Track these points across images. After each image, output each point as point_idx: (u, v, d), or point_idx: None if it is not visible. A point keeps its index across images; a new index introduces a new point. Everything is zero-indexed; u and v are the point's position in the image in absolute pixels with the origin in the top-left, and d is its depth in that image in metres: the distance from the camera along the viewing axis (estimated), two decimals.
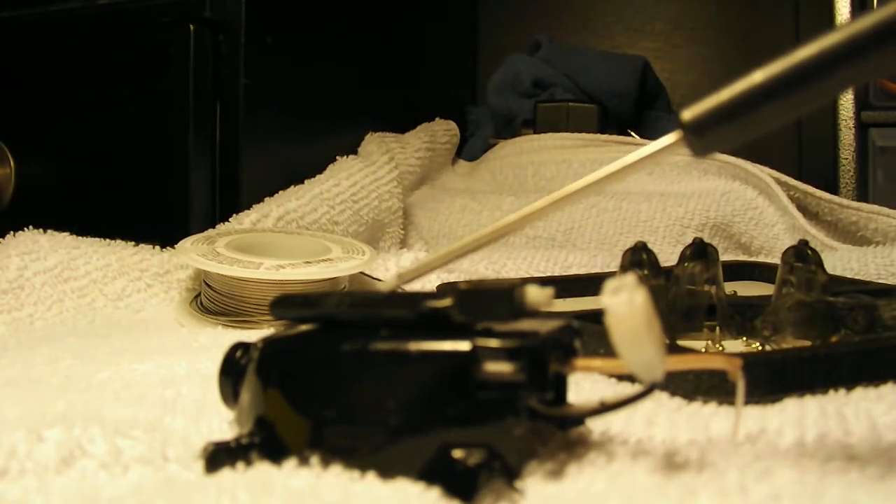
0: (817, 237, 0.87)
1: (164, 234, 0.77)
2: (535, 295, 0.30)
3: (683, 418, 0.38)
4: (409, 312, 0.32)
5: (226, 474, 0.31)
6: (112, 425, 0.35)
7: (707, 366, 0.36)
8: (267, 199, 0.85)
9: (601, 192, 0.97)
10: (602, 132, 1.10)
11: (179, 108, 0.87)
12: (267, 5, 0.91)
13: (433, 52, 1.29)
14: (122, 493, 0.30)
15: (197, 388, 0.43)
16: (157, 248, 0.77)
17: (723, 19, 1.31)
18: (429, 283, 0.74)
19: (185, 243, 0.70)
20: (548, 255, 0.82)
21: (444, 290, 0.31)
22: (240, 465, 0.32)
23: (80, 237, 0.76)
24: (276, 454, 0.32)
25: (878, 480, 0.30)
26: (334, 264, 0.68)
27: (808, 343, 0.50)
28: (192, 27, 0.87)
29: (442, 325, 0.31)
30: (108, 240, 0.77)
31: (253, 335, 0.38)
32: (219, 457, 0.32)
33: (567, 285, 0.66)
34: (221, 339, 0.59)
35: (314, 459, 0.31)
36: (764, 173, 0.93)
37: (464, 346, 0.30)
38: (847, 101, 1.10)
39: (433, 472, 0.30)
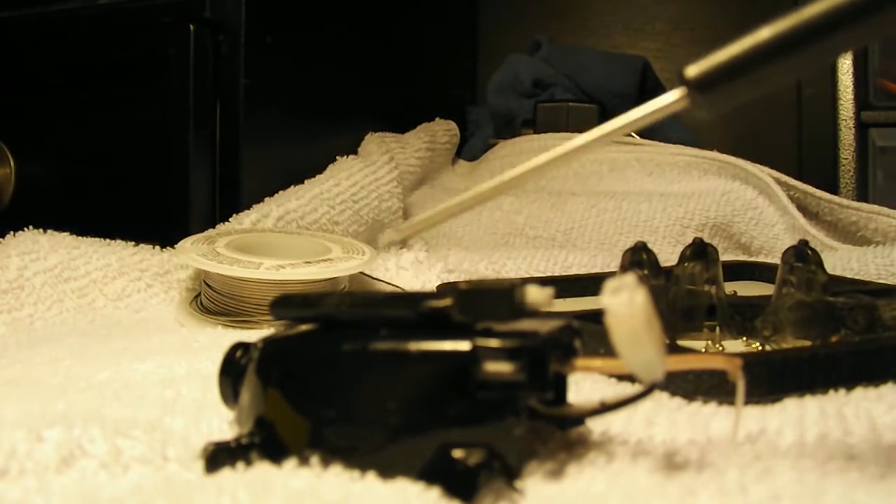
0: (817, 237, 0.87)
1: (164, 234, 0.77)
2: (535, 295, 0.30)
3: (683, 418, 0.38)
4: (409, 312, 0.32)
5: (226, 474, 0.31)
6: (112, 425, 0.35)
7: (707, 366, 0.36)
8: (267, 199, 0.85)
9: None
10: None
11: (179, 108, 0.87)
12: (267, 5, 0.91)
13: (433, 52, 1.29)
14: (122, 493, 0.30)
15: (197, 388, 0.43)
16: (157, 248, 0.77)
17: (723, 19, 1.31)
18: (429, 284, 0.74)
19: (185, 243, 0.70)
20: (548, 255, 0.82)
21: (444, 290, 0.31)
22: (240, 465, 0.32)
23: (80, 237, 0.76)
24: (276, 454, 0.32)
25: (878, 480, 0.30)
26: (334, 264, 0.68)
27: (808, 343, 0.50)
28: (192, 27, 0.87)
29: (442, 325, 0.31)
30: (108, 240, 0.77)
31: (253, 335, 0.38)
32: (219, 457, 0.32)
33: (567, 285, 0.66)
34: (221, 339, 0.59)
35: (314, 459, 0.31)
36: (764, 173, 0.93)
37: (464, 346, 0.30)
38: (847, 101, 1.10)
39: (433, 472, 0.30)
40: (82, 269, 0.72)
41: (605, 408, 0.33)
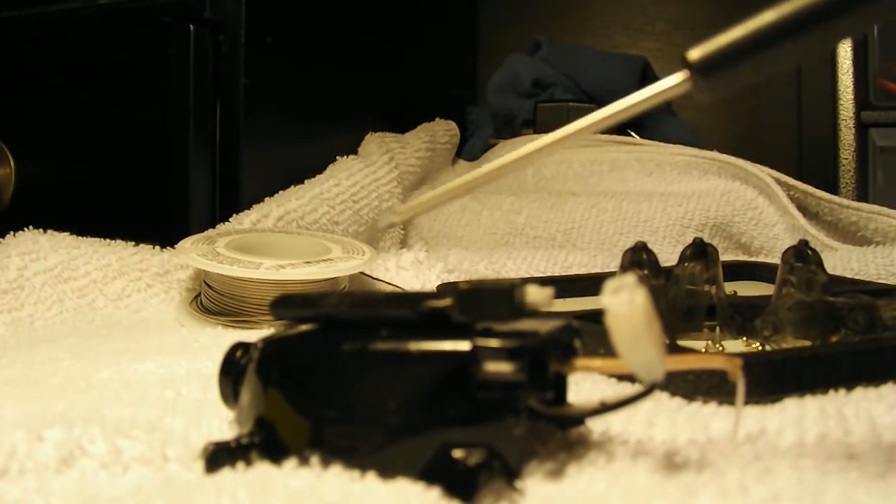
0: (817, 237, 0.87)
1: (164, 234, 0.77)
2: (535, 295, 0.30)
3: (683, 418, 0.38)
4: (409, 312, 0.32)
5: (226, 474, 0.31)
6: (112, 425, 0.35)
7: (707, 366, 0.36)
8: (267, 199, 0.85)
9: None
10: (602, 132, 1.10)
11: (179, 108, 0.87)
12: (267, 5, 0.91)
13: (433, 52, 1.29)
14: (122, 493, 0.30)
15: (197, 388, 0.43)
16: (157, 248, 0.77)
17: (723, 19, 1.30)
18: (429, 284, 0.74)
19: (185, 243, 0.70)
20: (548, 255, 0.82)
21: (444, 290, 0.31)
22: (240, 465, 0.32)
23: (80, 237, 0.76)
24: (276, 454, 0.32)
25: (878, 480, 0.30)
26: (334, 264, 0.68)
27: (808, 343, 0.50)
28: (192, 27, 0.87)
29: (442, 325, 0.31)
30: (108, 240, 0.77)
31: (253, 335, 0.38)
32: (219, 457, 0.32)
33: (567, 285, 0.66)
34: (221, 339, 0.59)
35: (314, 459, 0.31)
36: (764, 173, 0.93)
37: (464, 346, 0.30)
38: (847, 101, 1.10)
39: (433, 472, 0.30)
40: (82, 269, 0.72)
41: (605, 408, 0.33)
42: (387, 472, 0.30)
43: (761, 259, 0.86)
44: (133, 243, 0.77)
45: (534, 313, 0.30)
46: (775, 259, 0.62)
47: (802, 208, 0.91)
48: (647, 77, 1.20)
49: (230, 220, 0.81)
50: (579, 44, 1.32)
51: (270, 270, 0.65)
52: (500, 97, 1.22)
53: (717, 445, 0.34)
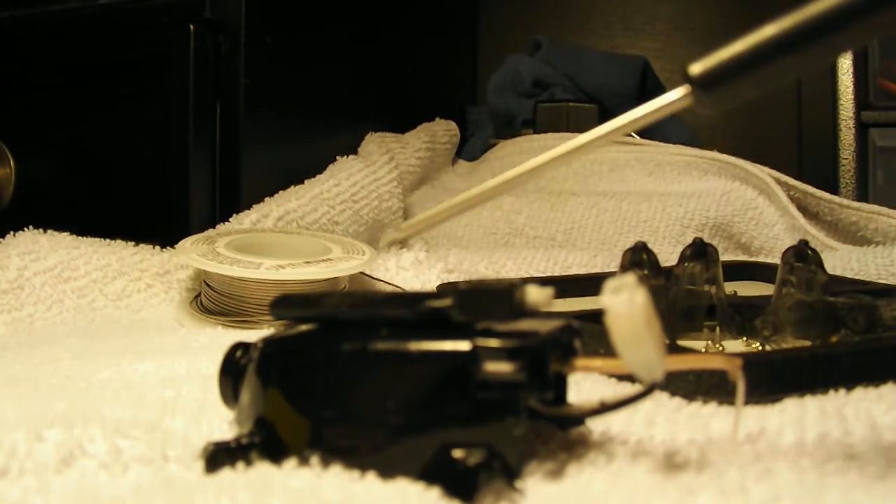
0: (817, 237, 0.87)
1: (164, 234, 0.77)
2: (535, 295, 0.30)
3: (683, 418, 0.38)
4: (408, 312, 0.32)
5: (226, 474, 0.31)
6: (112, 425, 0.35)
7: (707, 366, 0.36)
8: (267, 199, 0.85)
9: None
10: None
11: (179, 108, 0.87)
12: (267, 5, 0.91)
13: (433, 52, 1.29)
14: (122, 493, 0.30)
15: (197, 388, 0.43)
16: (157, 248, 0.77)
17: (723, 19, 1.31)
18: (429, 284, 0.74)
19: (185, 243, 0.70)
20: (548, 255, 0.82)
21: (444, 290, 0.31)
22: (240, 465, 0.32)
23: (80, 237, 0.76)
24: (276, 454, 0.32)
25: (878, 480, 0.30)
26: (334, 264, 0.68)
27: (808, 343, 0.50)
28: (192, 27, 0.87)
29: (442, 325, 0.31)
30: (108, 240, 0.77)
31: (253, 335, 0.38)
32: (219, 457, 0.32)
33: (567, 285, 0.66)
34: (221, 339, 0.59)
35: (314, 459, 0.31)
36: (764, 173, 0.93)
37: (464, 346, 0.30)
38: (847, 101, 1.10)
39: (433, 472, 0.30)
40: (82, 269, 0.72)
41: (605, 408, 0.33)
42: (387, 472, 0.30)
43: (761, 259, 0.86)
44: (133, 243, 0.77)
45: (534, 313, 0.30)
46: (775, 259, 0.62)
47: (802, 208, 0.91)
48: (647, 77, 1.20)
49: (230, 220, 0.81)
50: (579, 44, 1.32)
51: (270, 270, 0.65)
52: (500, 97, 1.21)
53: (717, 445, 0.34)
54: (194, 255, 0.66)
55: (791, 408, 0.40)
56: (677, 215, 0.91)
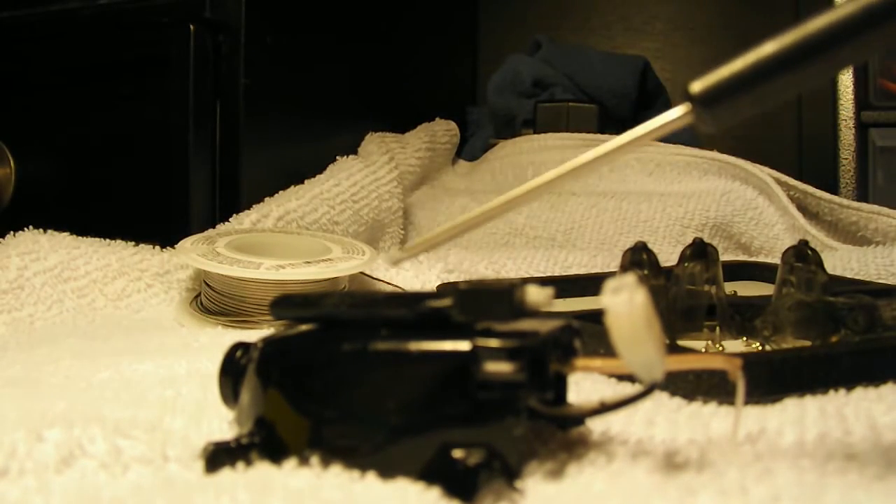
0: (817, 237, 0.87)
1: (164, 234, 0.77)
2: (535, 295, 0.30)
3: (683, 418, 0.38)
4: (408, 312, 0.32)
5: (226, 474, 0.31)
6: (112, 425, 0.35)
7: (707, 366, 0.36)
8: (267, 199, 0.85)
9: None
10: (602, 132, 1.10)
11: (179, 108, 0.87)
12: (267, 5, 0.91)
13: (433, 52, 1.29)
14: (122, 493, 0.30)
15: (197, 388, 0.43)
16: (157, 248, 0.77)
17: (723, 19, 1.31)
18: (429, 284, 0.74)
19: (185, 243, 0.70)
20: (548, 255, 0.82)
21: (444, 290, 0.31)
22: (240, 465, 0.32)
23: (80, 237, 0.76)
24: (276, 454, 0.32)
25: (878, 480, 0.30)
26: (334, 264, 0.68)
27: (808, 343, 0.50)
28: (192, 27, 0.87)
29: (442, 325, 0.31)
30: (108, 240, 0.77)
31: (253, 335, 0.38)
32: (219, 457, 0.32)
33: (567, 285, 0.66)
34: (221, 339, 0.59)
35: (314, 459, 0.31)
36: (764, 173, 0.93)
37: (464, 346, 0.30)
38: (847, 101, 1.10)
39: (433, 472, 0.30)
40: (82, 269, 0.72)
41: (605, 408, 0.33)
42: (387, 472, 0.30)
43: (761, 259, 0.86)
44: (133, 243, 0.76)
45: (534, 313, 0.30)
46: (775, 259, 0.62)
47: (802, 208, 0.91)
48: (647, 77, 1.20)
49: (230, 220, 0.81)
50: (580, 44, 1.32)
51: (270, 270, 0.65)
52: (500, 97, 1.22)
53: (717, 445, 0.34)
54: (194, 255, 0.66)
55: (791, 408, 0.40)
56: (677, 215, 0.91)
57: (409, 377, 0.31)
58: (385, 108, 1.13)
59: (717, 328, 0.54)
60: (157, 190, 0.88)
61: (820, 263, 0.53)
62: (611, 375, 0.45)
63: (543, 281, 0.70)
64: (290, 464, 0.31)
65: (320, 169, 0.93)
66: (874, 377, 0.44)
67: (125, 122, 0.91)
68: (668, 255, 0.76)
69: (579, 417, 0.35)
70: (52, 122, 0.97)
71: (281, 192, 0.87)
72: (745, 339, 0.54)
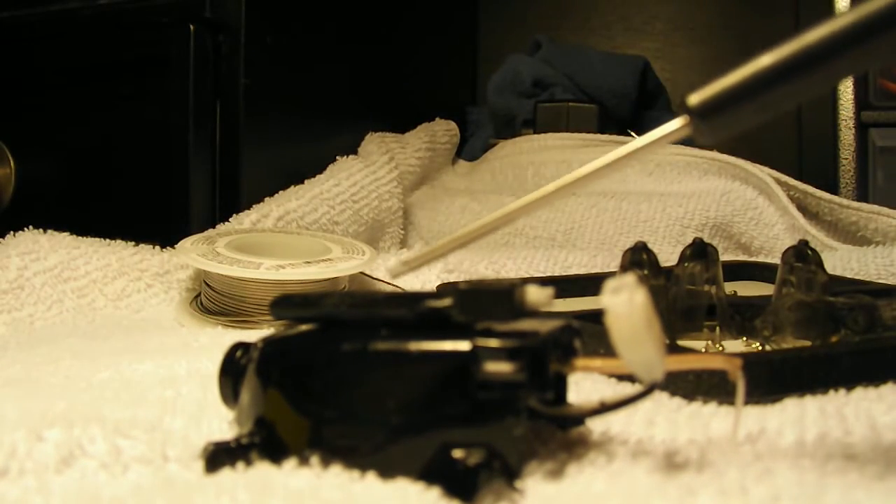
0: (817, 237, 0.87)
1: (164, 234, 0.77)
2: (535, 295, 0.30)
3: (683, 418, 0.38)
4: (408, 312, 0.32)
5: (226, 474, 0.31)
6: (112, 425, 0.35)
7: (707, 366, 0.36)
8: (267, 199, 0.85)
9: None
10: (602, 132, 1.10)
11: (179, 108, 0.87)
12: (267, 5, 0.91)
13: (433, 52, 1.29)
14: (122, 493, 0.30)
15: (197, 388, 0.43)
16: (157, 248, 0.77)
17: (723, 19, 1.31)
18: (429, 284, 0.74)
19: (185, 243, 0.70)
20: (548, 255, 0.82)
21: (444, 290, 0.31)
22: (240, 465, 0.32)
23: (80, 237, 0.76)
24: (276, 454, 0.32)
25: (878, 480, 0.30)
26: (334, 264, 0.68)
27: (808, 343, 0.50)
28: (192, 27, 0.87)
29: (442, 325, 0.31)
30: (108, 240, 0.77)
31: (253, 335, 0.38)
32: (219, 457, 0.32)
33: (567, 285, 0.66)
34: (221, 339, 0.59)
35: (314, 459, 0.31)
36: (764, 173, 0.93)
37: (464, 346, 0.30)
38: (847, 101, 1.10)
39: (433, 471, 0.30)
40: (82, 269, 0.72)
41: (605, 408, 0.33)
42: (387, 472, 0.30)
43: (761, 259, 0.86)
44: (133, 243, 0.77)
45: (534, 313, 0.30)
46: (775, 259, 0.62)
47: (802, 208, 0.91)
48: (647, 77, 1.20)
49: (230, 220, 0.81)
50: (580, 44, 1.32)
51: (270, 270, 0.65)
52: (500, 97, 1.22)
53: (717, 445, 0.34)
54: (194, 255, 0.66)
55: (791, 408, 0.40)
56: (677, 215, 0.91)
57: (409, 377, 0.31)
58: (385, 108, 1.13)
59: (717, 328, 0.54)
60: (157, 190, 0.88)
61: (820, 263, 0.53)
62: (611, 375, 0.45)
63: (543, 281, 0.70)
64: (290, 464, 0.31)
65: (320, 169, 0.93)
66: (874, 377, 0.44)
67: (125, 122, 0.91)
68: (668, 255, 0.76)
69: (579, 417, 0.35)
70: (52, 122, 0.97)
71: (281, 192, 0.87)
72: (745, 339, 0.54)
